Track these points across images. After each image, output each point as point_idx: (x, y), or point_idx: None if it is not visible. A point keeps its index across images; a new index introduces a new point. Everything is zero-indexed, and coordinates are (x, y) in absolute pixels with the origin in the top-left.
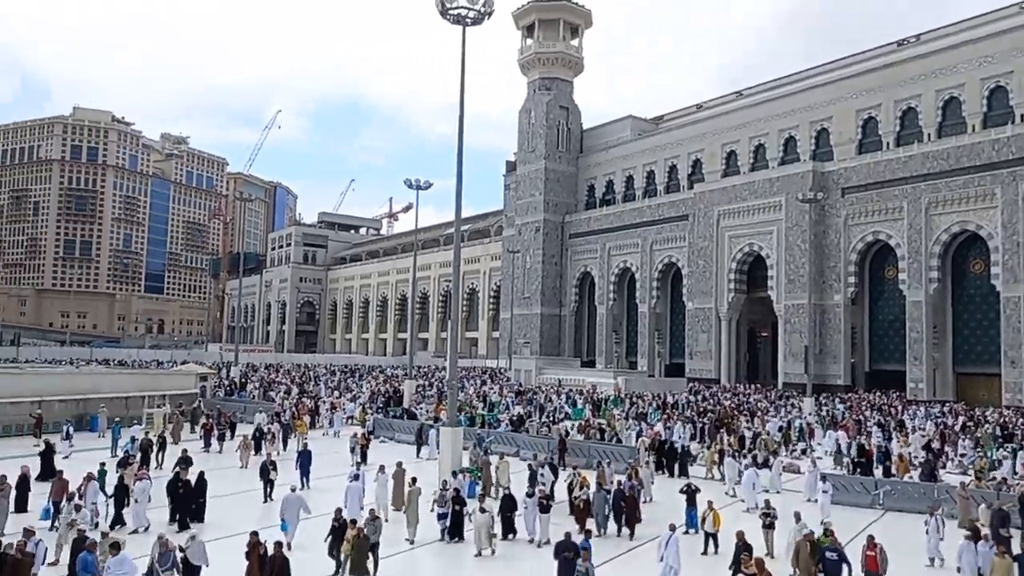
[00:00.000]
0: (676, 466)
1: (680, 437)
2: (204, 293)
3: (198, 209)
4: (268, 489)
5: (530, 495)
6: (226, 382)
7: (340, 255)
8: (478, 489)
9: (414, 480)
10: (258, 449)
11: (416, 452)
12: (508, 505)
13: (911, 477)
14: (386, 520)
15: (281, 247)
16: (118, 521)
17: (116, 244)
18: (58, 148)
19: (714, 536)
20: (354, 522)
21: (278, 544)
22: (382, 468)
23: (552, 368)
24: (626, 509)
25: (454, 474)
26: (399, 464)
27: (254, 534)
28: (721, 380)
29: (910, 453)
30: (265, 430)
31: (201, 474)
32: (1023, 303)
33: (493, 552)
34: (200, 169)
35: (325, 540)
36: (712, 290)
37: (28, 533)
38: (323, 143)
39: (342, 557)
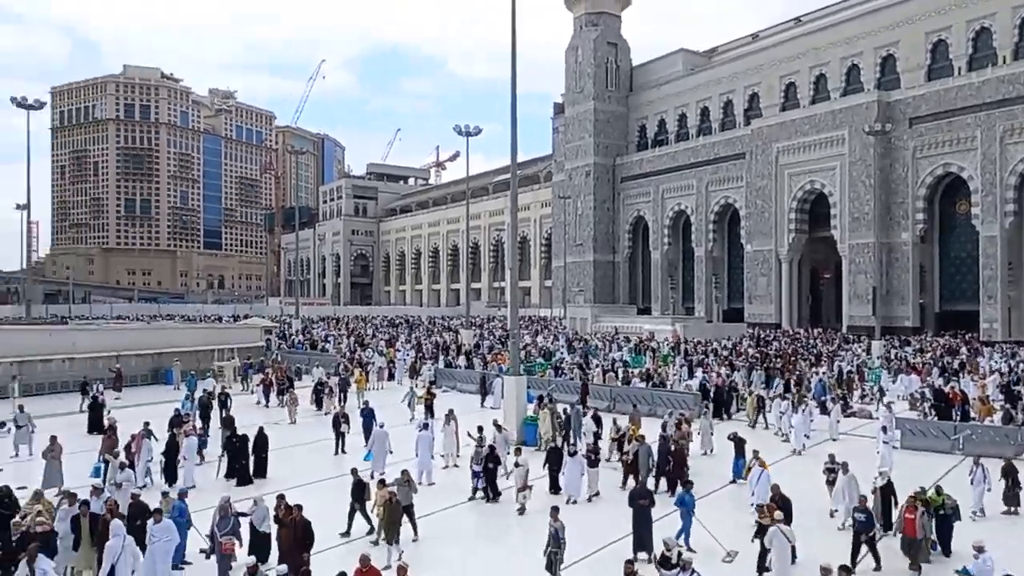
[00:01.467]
0: (722, 411)
1: (748, 383)
2: (261, 248)
3: (249, 164)
4: (340, 442)
5: (572, 453)
6: (289, 335)
7: (390, 206)
8: (539, 435)
9: (480, 429)
10: (319, 405)
11: (480, 401)
12: (554, 458)
13: (992, 421)
14: (456, 467)
15: (332, 200)
16: (171, 479)
17: (174, 202)
18: (112, 107)
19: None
20: (383, 483)
21: (298, 507)
22: (449, 416)
23: (608, 316)
24: (672, 464)
25: (480, 429)
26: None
27: (280, 497)
28: (782, 324)
29: (988, 396)
30: (324, 384)
31: (260, 429)
32: None
33: (522, 509)
34: (249, 123)
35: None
36: (772, 231)
37: (96, 491)
38: (369, 93)
39: (376, 521)
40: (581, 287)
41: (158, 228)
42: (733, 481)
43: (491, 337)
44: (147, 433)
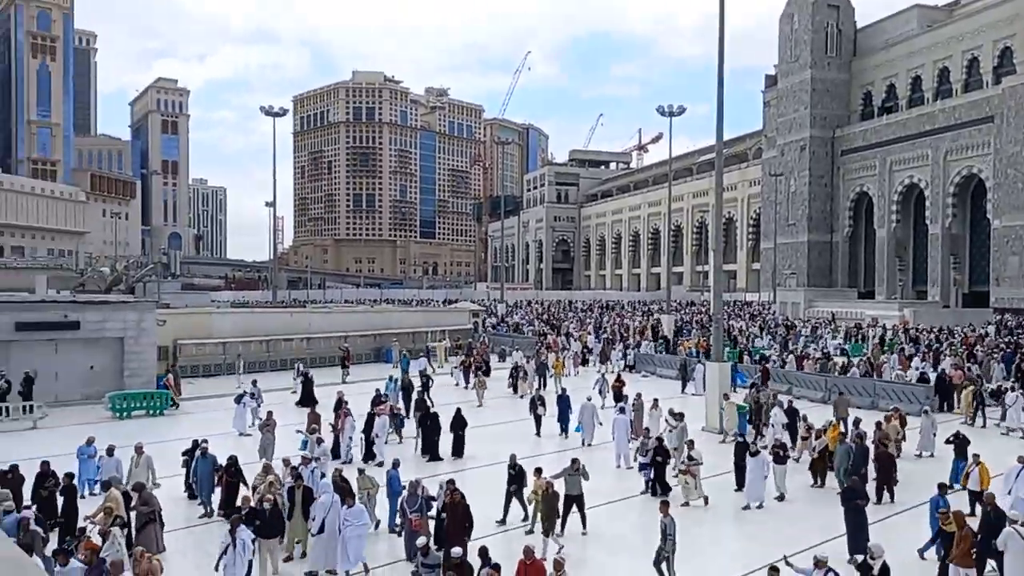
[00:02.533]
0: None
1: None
2: (470, 236)
3: (460, 157)
4: (538, 425)
5: (753, 453)
6: (495, 319)
7: (591, 192)
8: (749, 428)
9: (680, 416)
10: (515, 389)
11: (680, 387)
12: (740, 453)
13: None
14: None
15: (535, 188)
16: (368, 456)
17: (394, 195)
18: (343, 111)
19: (979, 496)
20: (539, 470)
21: (460, 493)
22: (655, 402)
23: (824, 300)
24: (878, 468)
25: (681, 416)
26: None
27: (450, 482)
28: None
29: None
30: (519, 368)
31: (458, 410)
32: None
33: (702, 501)
34: (460, 119)
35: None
36: None
37: (305, 461)
38: (574, 81)
39: (531, 510)
40: (793, 269)
41: (380, 220)
42: (950, 487)
43: (691, 324)
44: (347, 412)
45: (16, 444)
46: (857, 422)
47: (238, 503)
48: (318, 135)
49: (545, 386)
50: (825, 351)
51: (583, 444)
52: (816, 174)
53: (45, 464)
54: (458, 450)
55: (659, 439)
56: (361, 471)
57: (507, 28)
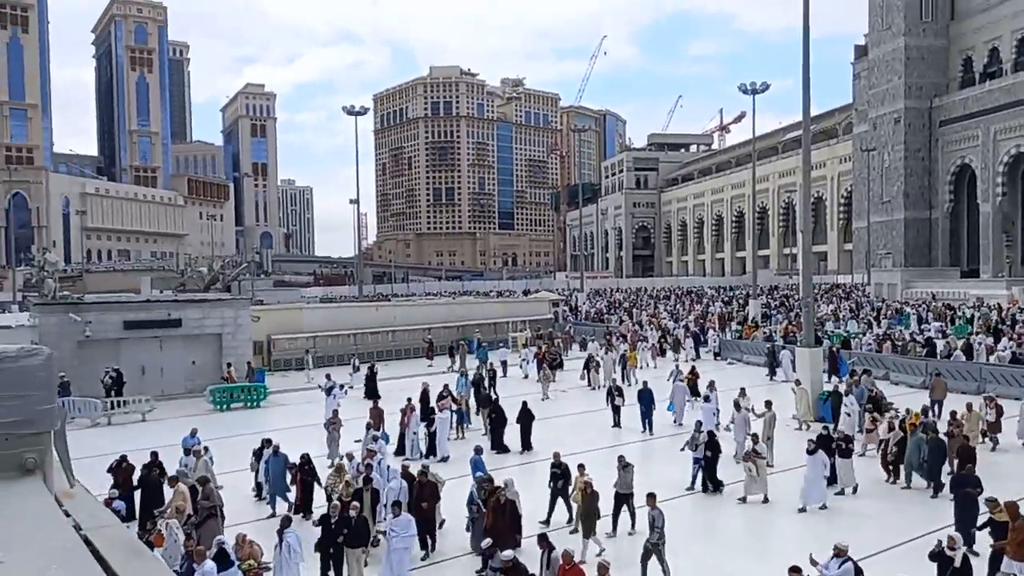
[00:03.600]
0: None
1: None
2: (548, 226)
3: (536, 146)
4: (616, 416)
5: (810, 451)
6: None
7: (671, 176)
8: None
9: (769, 404)
10: (588, 381)
11: (769, 375)
12: (824, 445)
13: None
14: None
15: (613, 174)
16: (431, 452)
17: (472, 188)
18: (421, 107)
19: None
20: (582, 467)
21: (505, 495)
22: (741, 392)
23: (924, 280)
24: (958, 462)
25: (769, 404)
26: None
27: (488, 481)
28: None
29: None
30: (592, 359)
31: (524, 404)
32: None
33: (762, 497)
34: (536, 108)
35: (548, 485)
36: None
37: (371, 453)
38: (652, 63)
39: (574, 510)
40: (889, 249)
41: (460, 213)
42: None
43: (779, 308)
44: (413, 407)
45: (127, 435)
46: (952, 414)
47: (321, 509)
48: (398, 132)
49: (625, 379)
50: (926, 335)
51: (674, 423)
52: (912, 147)
53: (154, 454)
54: (526, 443)
55: (710, 433)
56: (424, 468)
57: (582, 14)
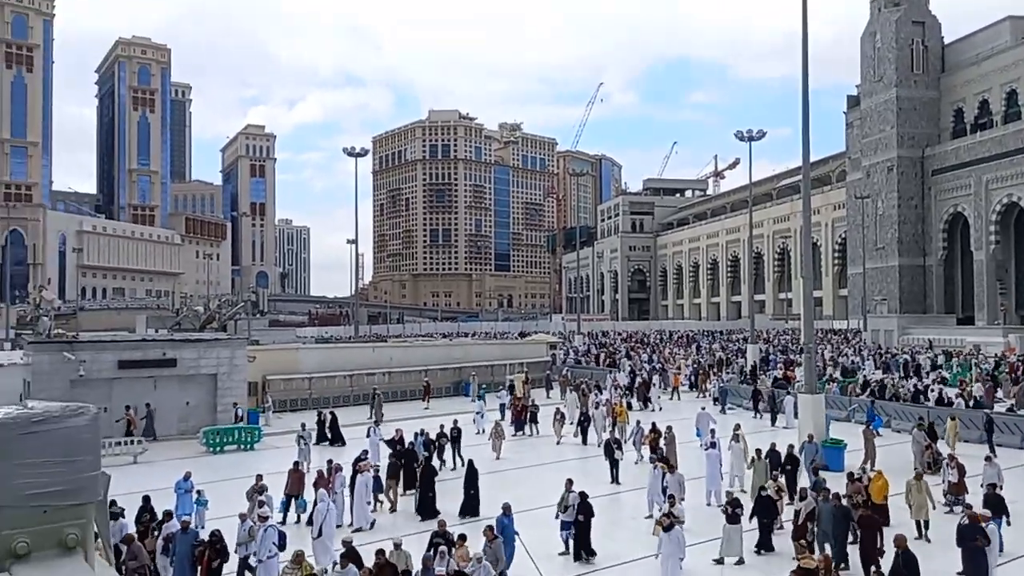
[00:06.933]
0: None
1: None
2: (544, 268)
3: (533, 189)
4: (614, 470)
5: (666, 528)
6: (572, 350)
7: (667, 220)
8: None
9: (758, 452)
10: (584, 437)
11: (771, 421)
12: (761, 510)
13: None
14: (743, 491)
15: (609, 218)
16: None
17: (469, 229)
18: (419, 149)
19: None
20: (463, 536)
21: (390, 562)
22: (736, 435)
23: (919, 326)
24: (860, 535)
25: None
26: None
27: (379, 551)
28: None
29: None
30: (587, 417)
31: (470, 463)
32: None
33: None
34: (533, 152)
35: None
36: None
37: (262, 519)
38: (649, 109)
39: None
40: (884, 295)
41: (456, 254)
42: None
43: (778, 353)
44: (337, 467)
45: (116, 479)
46: (849, 475)
47: None
48: (396, 173)
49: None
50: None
51: (701, 447)
52: (905, 195)
53: (145, 499)
54: (471, 508)
55: (582, 494)
56: (397, 546)
57: (581, 59)
